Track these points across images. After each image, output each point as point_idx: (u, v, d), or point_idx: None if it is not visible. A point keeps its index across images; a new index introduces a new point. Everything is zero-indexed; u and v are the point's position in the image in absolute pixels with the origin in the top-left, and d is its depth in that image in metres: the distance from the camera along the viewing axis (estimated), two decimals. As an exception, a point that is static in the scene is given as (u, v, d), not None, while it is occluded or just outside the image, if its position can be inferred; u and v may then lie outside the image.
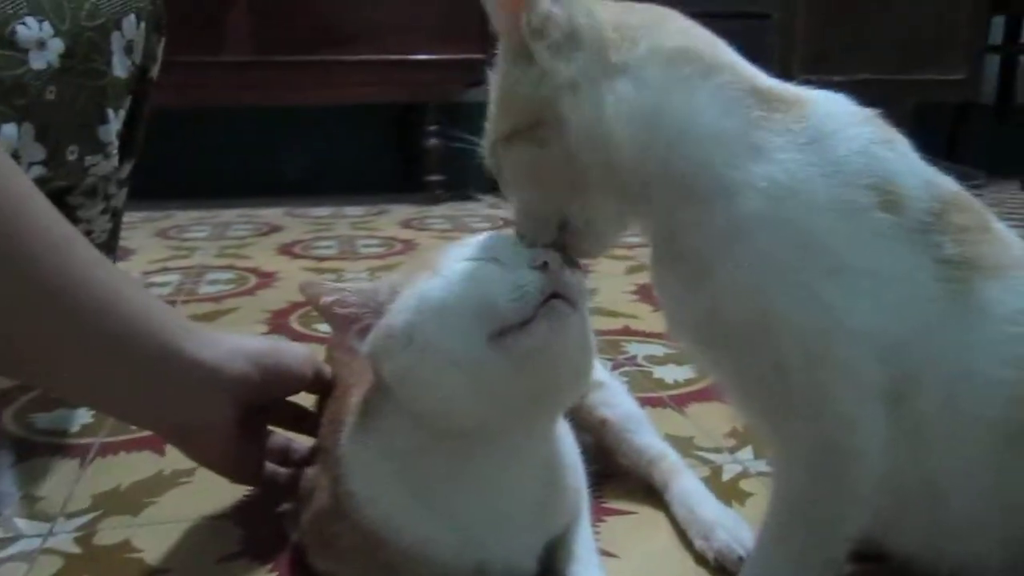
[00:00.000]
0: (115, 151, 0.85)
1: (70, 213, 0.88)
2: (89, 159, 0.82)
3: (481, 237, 0.58)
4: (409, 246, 1.95)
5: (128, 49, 0.84)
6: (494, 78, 0.53)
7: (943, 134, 3.14)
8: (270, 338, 0.71)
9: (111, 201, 0.91)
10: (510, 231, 0.58)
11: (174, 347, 0.62)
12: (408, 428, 0.57)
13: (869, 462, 0.50)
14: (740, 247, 0.48)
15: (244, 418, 0.65)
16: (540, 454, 0.60)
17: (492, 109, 0.54)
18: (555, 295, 0.53)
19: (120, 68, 0.83)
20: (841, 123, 0.50)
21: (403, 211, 2.46)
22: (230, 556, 0.67)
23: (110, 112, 0.82)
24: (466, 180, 2.56)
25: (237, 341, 0.67)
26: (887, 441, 0.50)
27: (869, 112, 0.52)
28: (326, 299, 0.59)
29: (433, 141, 2.55)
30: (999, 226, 0.54)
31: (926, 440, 0.50)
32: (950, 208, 0.51)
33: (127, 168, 0.92)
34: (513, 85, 0.51)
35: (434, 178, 2.59)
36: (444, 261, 0.56)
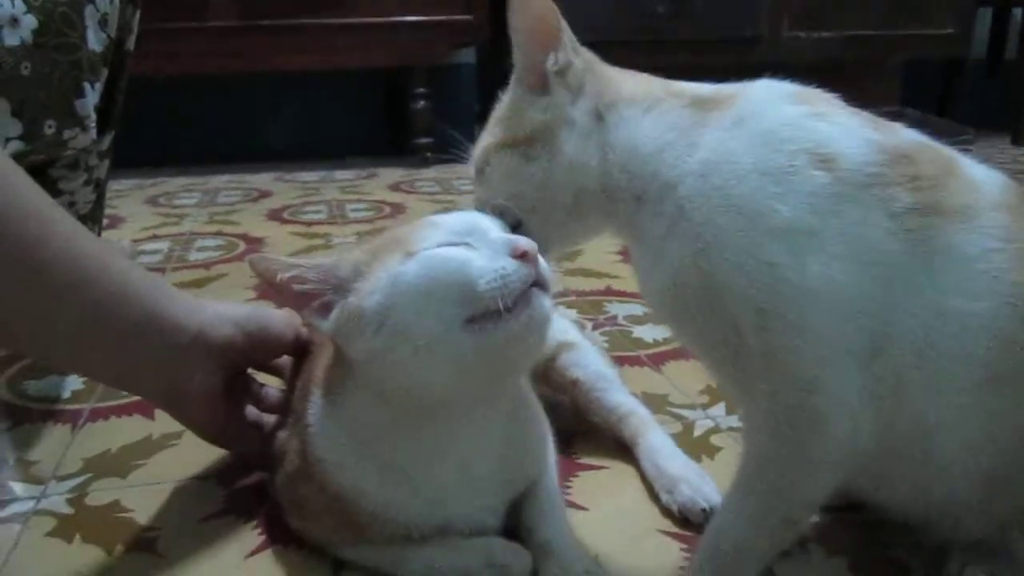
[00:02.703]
0: (93, 124, 0.86)
1: (52, 185, 0.89)
2: (67, 132, 0.83)
3: (452, 219, 0.58)
4: (398, 209, 1.96)
5: (103, 22, 0.85)
6: (504, 98, 0.61)
7: (934, 89, 3.13)
8: (252, 304, 0.72)
9: (93, 173, 0.93)
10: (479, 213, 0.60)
11: (159, 312, 0.63)
12: (371, 402, 0.58)
13: (836, 428, 0.51)
14: (683, 223, 0.52)
15: (229, 382, 0.67)
16: (501, 414, 0.61)
17: (493, 121, 0.62)
18: (534, 284, 0.54)
19: (95, 42, 0.84)
20: (768, 103, 0.54)
21: (392, 174, 2.47)
22: (215, 514, 0.70)
23: (87, 86, 0.83)
24: (455, 141, 2.56)
25: (221, 307, 0.69)
26: (866, 402, 0.50)
27: (811, 91, 0.55)
28: (283, 275, 0.58)
29: (421, 104, 2.55)
30: (972, 171, 0.54)
31: (909, 389, 0.51)
32: (900, 160, 0.52)
33: (107, 140, 0.93)
34: (523, 106, 0.60)
35: (422, 141, 2.59)
36: (417, 243, 0.56)
